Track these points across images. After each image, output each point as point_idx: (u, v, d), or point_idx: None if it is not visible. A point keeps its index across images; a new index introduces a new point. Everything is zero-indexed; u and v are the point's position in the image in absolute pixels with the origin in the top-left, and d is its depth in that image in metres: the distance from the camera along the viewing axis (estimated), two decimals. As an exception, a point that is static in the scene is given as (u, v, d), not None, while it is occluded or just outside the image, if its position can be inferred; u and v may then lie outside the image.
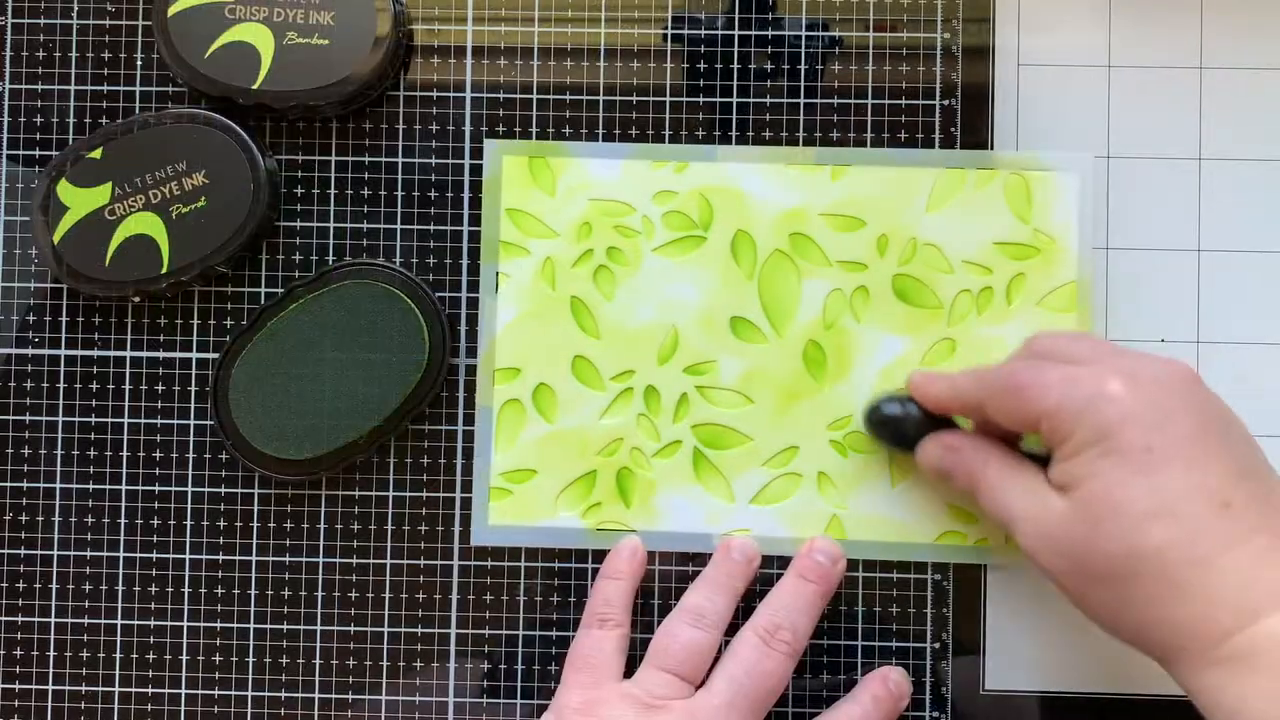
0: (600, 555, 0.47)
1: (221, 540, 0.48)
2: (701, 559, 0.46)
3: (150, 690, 0.47)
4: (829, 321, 0.47)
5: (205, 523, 0.48)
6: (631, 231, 0.47)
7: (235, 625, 0.47)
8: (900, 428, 0.45)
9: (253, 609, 0.47)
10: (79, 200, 0.46)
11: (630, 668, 0.44)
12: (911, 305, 0.47)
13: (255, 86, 0.46)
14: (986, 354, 0.46)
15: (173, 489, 0.48)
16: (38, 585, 0.48)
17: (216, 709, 0.47)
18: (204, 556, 0.48)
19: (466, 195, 0.48)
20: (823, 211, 0.47)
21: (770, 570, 0.47)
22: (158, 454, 0.48)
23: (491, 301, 0.47)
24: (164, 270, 0.46)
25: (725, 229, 0.47)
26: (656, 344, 0.47)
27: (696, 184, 0.47)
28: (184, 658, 0.47)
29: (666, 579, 0.47)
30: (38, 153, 0.48)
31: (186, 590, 0.48)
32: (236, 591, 0.47)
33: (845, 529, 0.47)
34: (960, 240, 0.47)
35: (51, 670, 0.47)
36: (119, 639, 0.48)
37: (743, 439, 0.47)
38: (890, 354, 0.47)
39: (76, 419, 0.48)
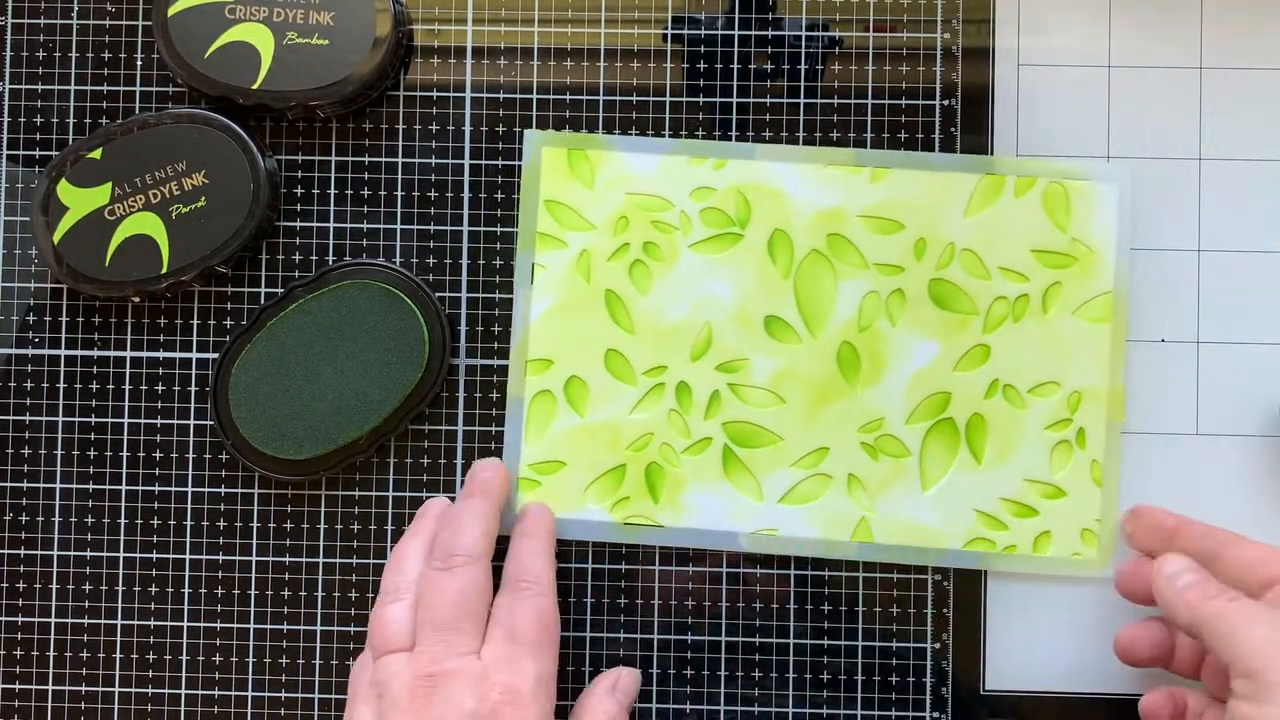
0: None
1: (221, 540, 0.48)
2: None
3: (150, 690, 0.47)
4: (864, 324, 0.46)
5: (205, 523, 0.48)
6: (669, 227, 0.47)
7: (235, 625, 0.47)
8: None
9: (253, 609, 0.47)
10: (79, 200, 0.46)
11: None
12: (947, 310, 0.46)
13: (255, 86, 0.46)
14: (1022, 362, 0.46)
15: (173, 489, 0.48)
16: (38, 585, 0.48)
17: (216, 709, 0.47)
18: (204, 556, 0.48)
19: (466, 195, 0.48)
20: (861, 213, 0.47)
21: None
22: (158, 454, 0.48)
23: (526, 292, 0.47)
24: (164, 270, 0.46)
25: (763, 227, 0.47)
26: (690, 340, 0.47)
27: (735, 181, 0.47)
28: (184, 658, 0.47)
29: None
30: (38, 153, 0.48)
31: (186, 590, 0.48)
32: (236, 591, 0.47)
33: (873, 532, 0.46)
34: (998, 247, 0.46)
35: (51, 670, 0.47)
36: (119, 639, 0.48)
37: (773, 438, 0.46)
38: (924, 358, 0.46)
39: (76, 419, 0.48)
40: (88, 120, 0.48)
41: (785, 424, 0.46)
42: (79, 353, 0.48)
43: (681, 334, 0.47)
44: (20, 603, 0.48)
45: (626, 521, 0.46)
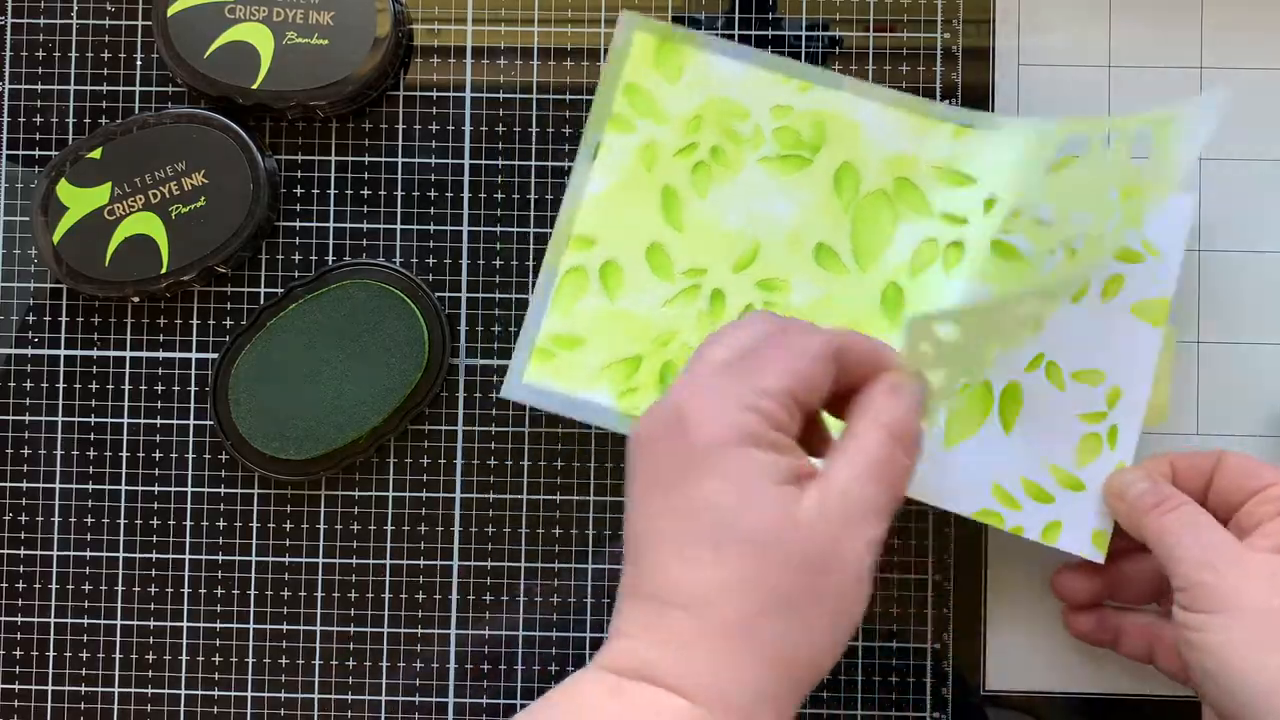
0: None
1: (221, 540, 0.48)
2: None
3: (150, 690, 0.47)
4: (916, 268, 0.45)
5: (205, 523, 0.48)
6: (740, 137, 0.46)
7: (235, 625, 0.47)
8: None
9: (252, 609, 0.47)
10: (79, 200, 0.46)
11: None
12: (1005, 272, 0.44)
13: (255, 86, 0.46)
14: (1071, 342, 0.44)
15: (173, 489, 0.48)
16: (38, 585, 0.48)
17: (216, 709, 0.47)
18: (204, 556, 0.48)
19: (466, 195, 0.48)
20: (935, 164, 0.46)
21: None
22: (158, 454, 0.48)
23: (585, 168, 0.46)
24: (164, 270, 0.46)
25: (833, 157, 0.46)
26: (737, 251, 0.46)
27: (815, 106, 0.46)
28: (184, 658, 0.47)
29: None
30: (38, 153, 0.48)
31: (186, 590, 0.48)
32: (236, 591, 0.47)
33: None
34: (1069, 226, 0.44)
35: (51, 670, 0.47)
36: (119, 639, 0.48)
37: None
38: None
39: (76, 419, 0.48)
40: (88, 120, 0.48)
41: None
42: (79, 353, 0.48)
43: (730, 243, 0.46)
44: (20, 603, 0.48)
45: (630, 414, 0.45)
